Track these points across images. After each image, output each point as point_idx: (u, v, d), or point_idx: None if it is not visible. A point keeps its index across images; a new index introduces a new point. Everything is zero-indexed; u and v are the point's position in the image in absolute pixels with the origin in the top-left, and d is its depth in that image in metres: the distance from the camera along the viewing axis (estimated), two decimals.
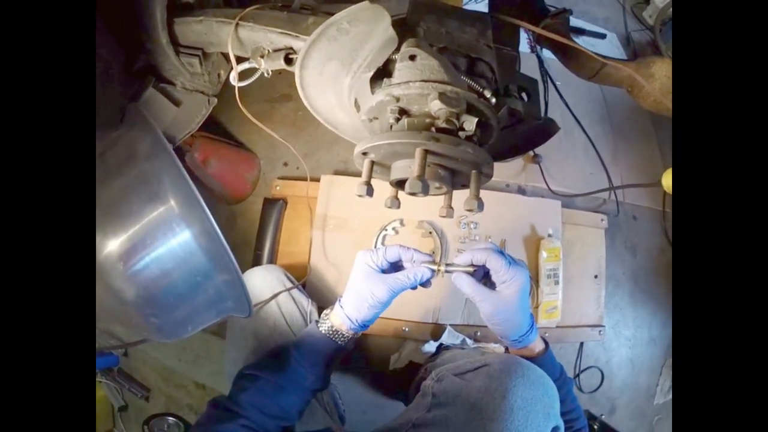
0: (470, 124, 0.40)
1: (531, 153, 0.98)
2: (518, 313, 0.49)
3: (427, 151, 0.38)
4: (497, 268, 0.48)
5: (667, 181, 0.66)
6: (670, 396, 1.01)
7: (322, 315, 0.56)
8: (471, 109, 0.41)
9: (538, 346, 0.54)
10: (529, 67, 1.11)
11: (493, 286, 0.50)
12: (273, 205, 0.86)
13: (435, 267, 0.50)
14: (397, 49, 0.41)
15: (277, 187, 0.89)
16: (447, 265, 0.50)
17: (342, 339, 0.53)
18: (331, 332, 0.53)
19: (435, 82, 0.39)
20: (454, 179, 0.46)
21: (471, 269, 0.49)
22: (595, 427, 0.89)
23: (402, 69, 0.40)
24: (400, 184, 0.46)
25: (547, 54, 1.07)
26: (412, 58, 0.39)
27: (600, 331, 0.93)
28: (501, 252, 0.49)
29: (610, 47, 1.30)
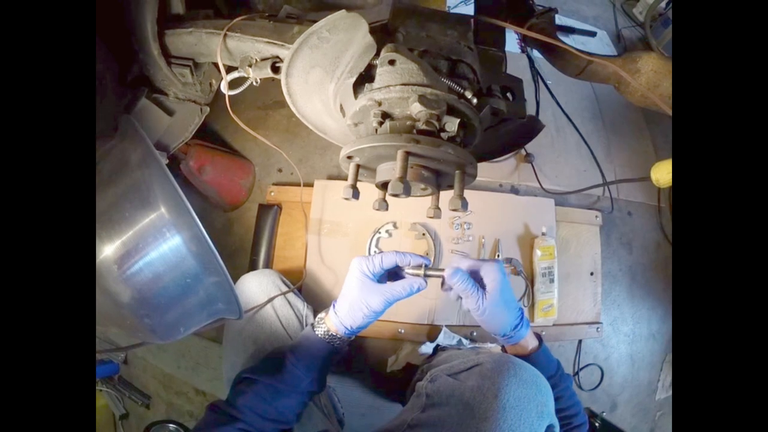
0: (452, 125, 0.41)
1: (523, 152, 0.99)
2: (500, 308, 0.50)
3: (408, 153, 0.39)
4: (472, 266, 0.51)
5: (656, 174, 0.66)
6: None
7: (317, 318, 0.56)
8: (452, 111, 0.41)
9: (531, 342, 0.54)
10: (519, 66, 1.13)
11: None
12: (268, 210, 0.87)
13: (420, 272, 0.52)
14: (377, 55, 0.42)
15: (272, 193, 0.90)
16: (427, 268, 0.52)
17: (337, 342, 0.54)
18: (326, 336, 0.54)
19: (415, 85, 0.40)
20: (440, 180, 0.47)
21: (442, 274, 0.52)
22: (597, 424, 0.89)
23: (382, 74, 0.41)
24: (385, 186, 0.47)
25: (537, 54, 1.08)
26: (392, 62, 0.40)
27: (598, 328, 0.93)
28: (466, 255, 0.53)
29: (600, 45, 1.30)
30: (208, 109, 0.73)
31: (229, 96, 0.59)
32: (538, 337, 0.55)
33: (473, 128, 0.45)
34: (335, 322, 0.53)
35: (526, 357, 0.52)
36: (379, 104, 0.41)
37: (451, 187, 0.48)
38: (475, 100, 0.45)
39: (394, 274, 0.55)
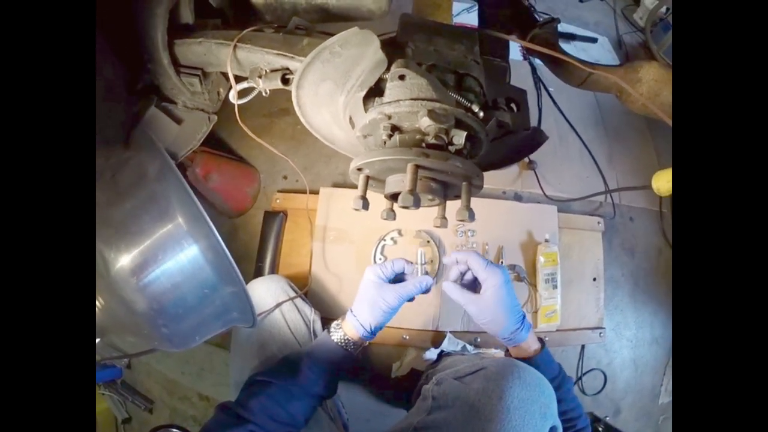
0: (459, 138, 0.42)
1: (526, 160, 1.00)
2: (501, 310, 0.52)
3: (417, 166, 0.40)
4: (477, 267, 0.54)
5: (656, 183, 0.67)
6: None
7: (332, 325, 0.58)
8: (459, 124, 0.42)
9: (532, 345, 0.55)
10: (522, 74, 1.14)
11: (479, 289, 0.55)
12: (273, 217, 0.88)
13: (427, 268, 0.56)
14: (388, 69, 0.43)
15: (278, 200, 0.91)
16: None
17: (352, 347, 0.56)
18: (343, 341, 0.56)
19: (424, 99, 0.41)
20: (447, 191, 0.48)
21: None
22: (600, 429, 0.89)
23: (392, 88, 0.42)
24: (394, 197, 0.48)
25: (540, 61, 1.09)
26: (402, 77, 0.41)
27: (600, 333, 0.94)
28: (479, 254, 0.56)
29: (602, 51, 1.32)
30: (216, 117, 0.74)
31: (237, 105, 0.60)
32: (540, 340, 0.57)
33: (480, 141, 0.46)
34: (354, 324, 0.56)
35: (528, 359, 0.53)
36: (389, 118, 0.42)
37: (457, 197, 0.49)
38: (481, 114, 0.46)
39: (400, 280, 0.59)
